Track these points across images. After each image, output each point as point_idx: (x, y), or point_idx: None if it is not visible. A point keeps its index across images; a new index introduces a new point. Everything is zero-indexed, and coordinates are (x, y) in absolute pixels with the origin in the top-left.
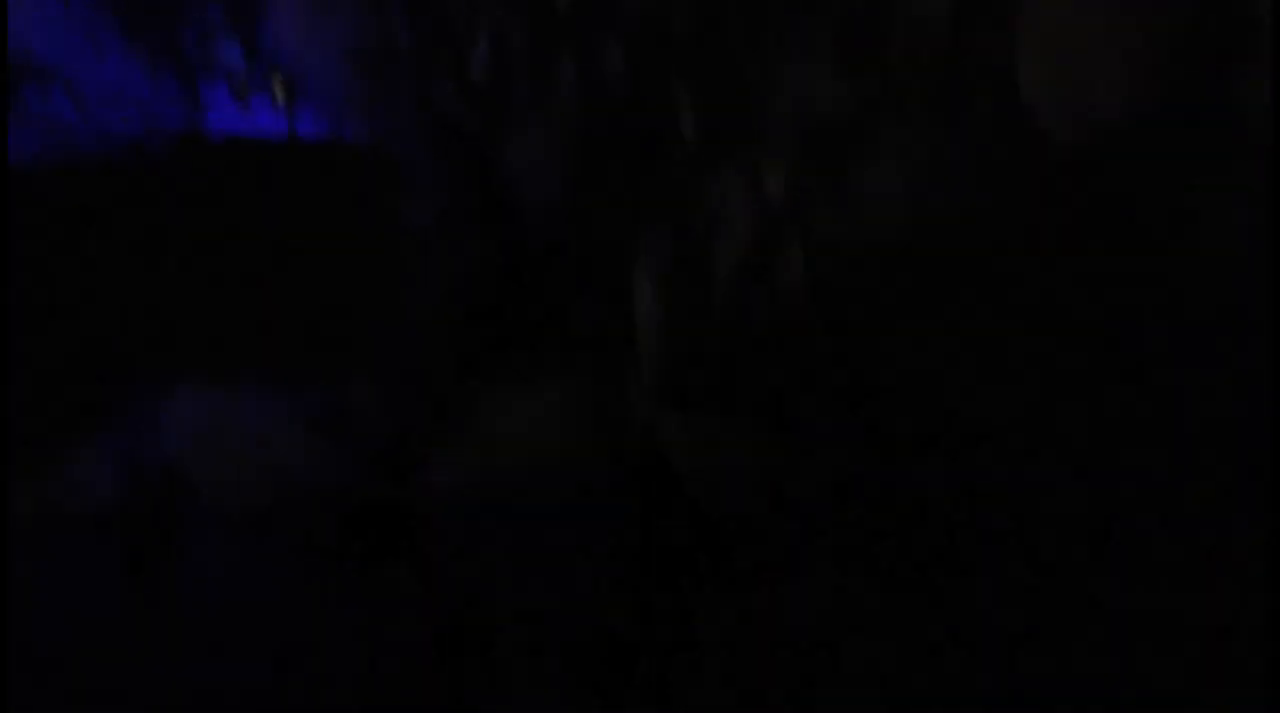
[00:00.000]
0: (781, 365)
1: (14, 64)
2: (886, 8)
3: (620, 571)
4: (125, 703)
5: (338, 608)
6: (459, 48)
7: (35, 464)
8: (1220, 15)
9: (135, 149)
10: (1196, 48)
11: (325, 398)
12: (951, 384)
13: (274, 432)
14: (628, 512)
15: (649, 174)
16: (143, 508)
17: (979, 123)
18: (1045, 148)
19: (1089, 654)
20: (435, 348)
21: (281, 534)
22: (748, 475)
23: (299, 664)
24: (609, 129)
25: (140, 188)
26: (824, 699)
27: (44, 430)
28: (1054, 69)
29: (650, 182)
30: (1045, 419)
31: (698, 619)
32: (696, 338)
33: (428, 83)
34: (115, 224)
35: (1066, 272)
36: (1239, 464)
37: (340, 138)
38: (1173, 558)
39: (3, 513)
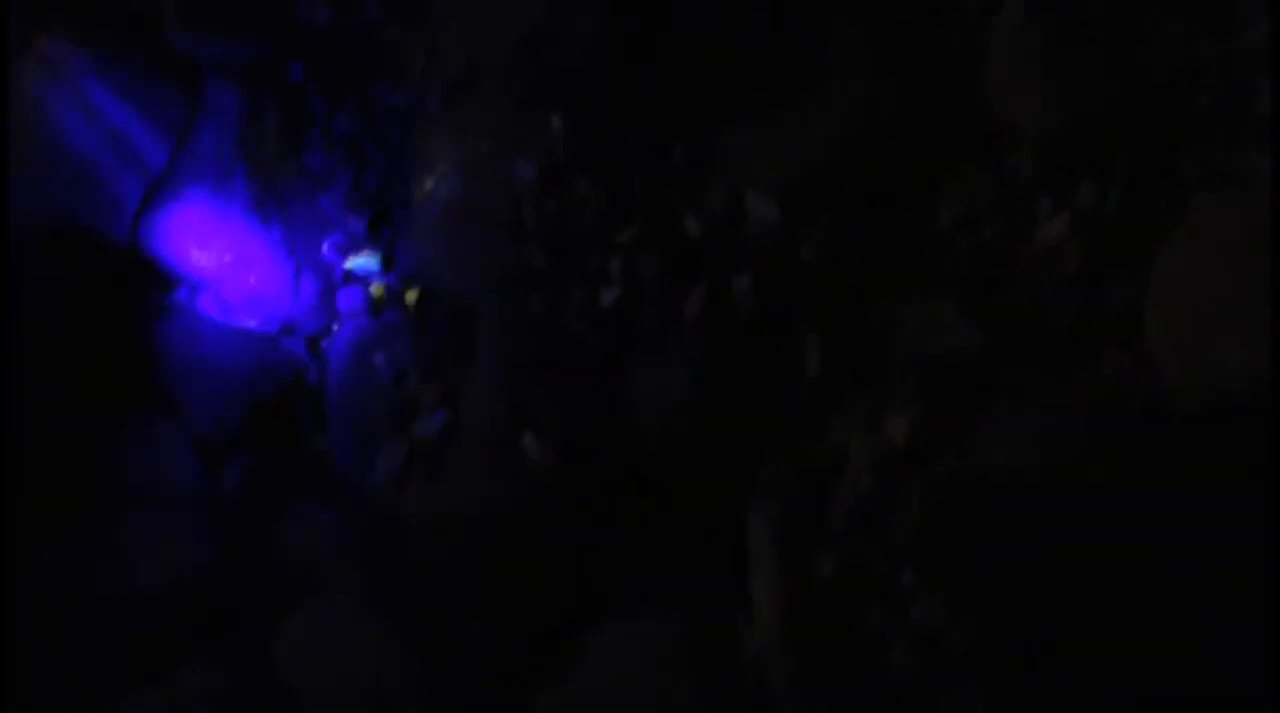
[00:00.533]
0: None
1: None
2: (1016, 251)
3: None
4: None
5: None
6: (591, 273)
7: None
8: None
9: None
10: None
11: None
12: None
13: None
14: None
15: (771, 407)
16: None
17: (1104, 374)
18: (1167, 405)
19: None
20: (546, 584)
21: None
22: None
23: None
24: (734, 360)
25: None
26: None
27: None
28: (1183, 323)
29: (772, 415)
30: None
31: None
32: (808, 581)
33: (560, 308)
34: None
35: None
36: None
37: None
38: None
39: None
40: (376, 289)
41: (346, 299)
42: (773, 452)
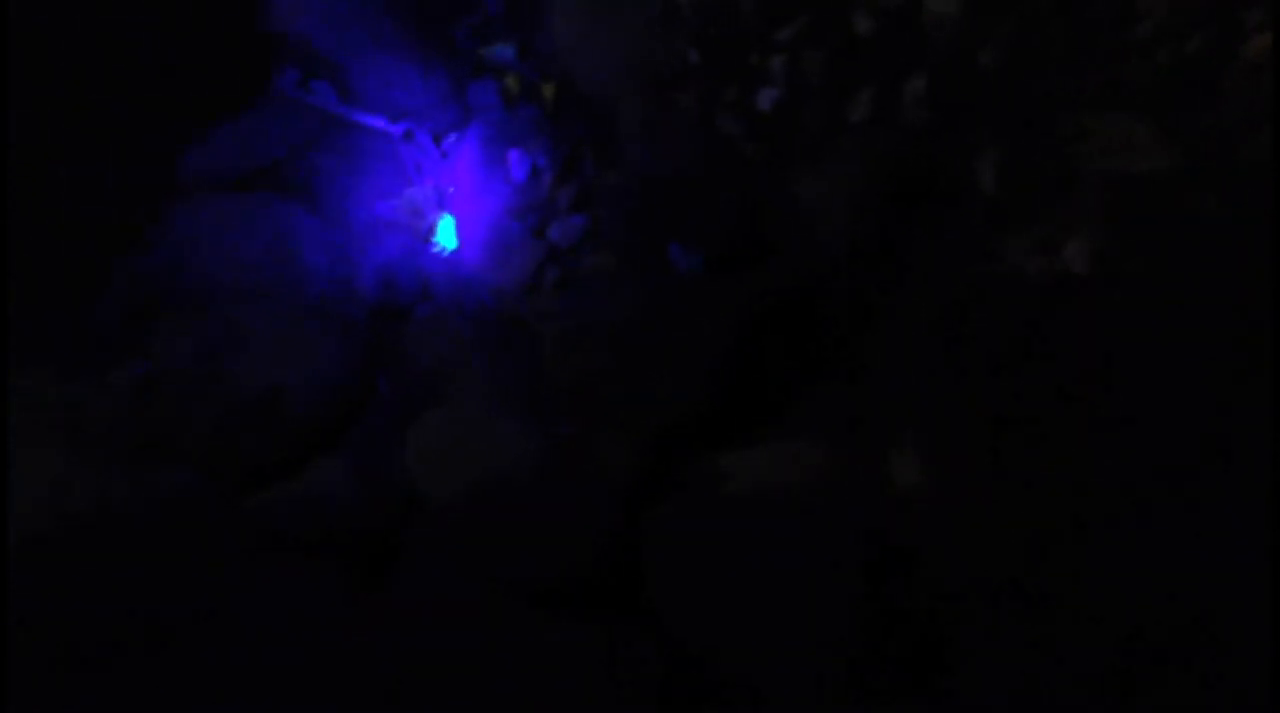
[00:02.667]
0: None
1: (281, 48)
2: (1219, 67)
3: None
4: None
5: (563, 645)
6: (750, 74)
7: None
8: None
9: None
10: None
11: (572, 434)
12: None
13: (518, 461)
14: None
15: (941, 225)
16: (378, 523)
17: None
18: None
19: None
20: (691, 398)
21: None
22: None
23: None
24: (902, 172)
25: None
26: None
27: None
28: None
29: (942, 234)
30: None
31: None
32: (963, 403)
33: (713, 108)
34: None
35: None
36: None
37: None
38: None
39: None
40: (512, 81)
41: (479, 92)
42: (939, 273)
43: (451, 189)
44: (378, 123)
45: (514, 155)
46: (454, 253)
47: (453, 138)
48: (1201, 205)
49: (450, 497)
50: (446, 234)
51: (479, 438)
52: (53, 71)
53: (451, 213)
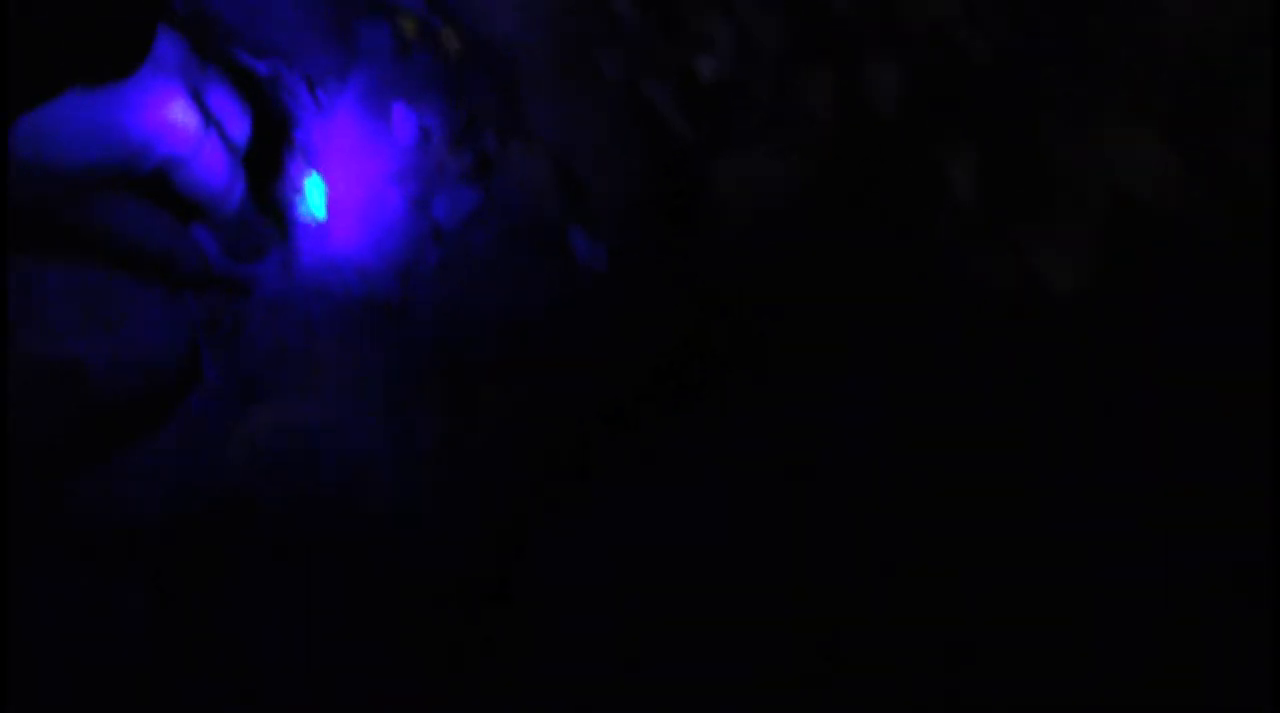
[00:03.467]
0: None
1: None
2: (1246, 69)
3: None
4: None
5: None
6: (690, 37)
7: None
8: None
9: None
10: None
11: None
12: None
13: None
14: None
15: (902, 235)
16: (192, 530)
17: None
18: None
19: None
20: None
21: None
22: None
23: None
24: (860, 167)
25: None
26: None
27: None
28: None
29: (902, 245)
30: None
31: None
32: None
33: (640, 74)
34: None
35: None
36: None
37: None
38: None
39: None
40: (408, 21)
41: (368, 33)
42: (894, 290)
43: (321, 146)
44: (243, 59)
45: (400, 112)
46: (320, 221)
47: (331, 86)
48: (1208, 230)
49: (282, 506)
50: (314, 199)
51: (321, 440)
52: None
53: (321, 174)
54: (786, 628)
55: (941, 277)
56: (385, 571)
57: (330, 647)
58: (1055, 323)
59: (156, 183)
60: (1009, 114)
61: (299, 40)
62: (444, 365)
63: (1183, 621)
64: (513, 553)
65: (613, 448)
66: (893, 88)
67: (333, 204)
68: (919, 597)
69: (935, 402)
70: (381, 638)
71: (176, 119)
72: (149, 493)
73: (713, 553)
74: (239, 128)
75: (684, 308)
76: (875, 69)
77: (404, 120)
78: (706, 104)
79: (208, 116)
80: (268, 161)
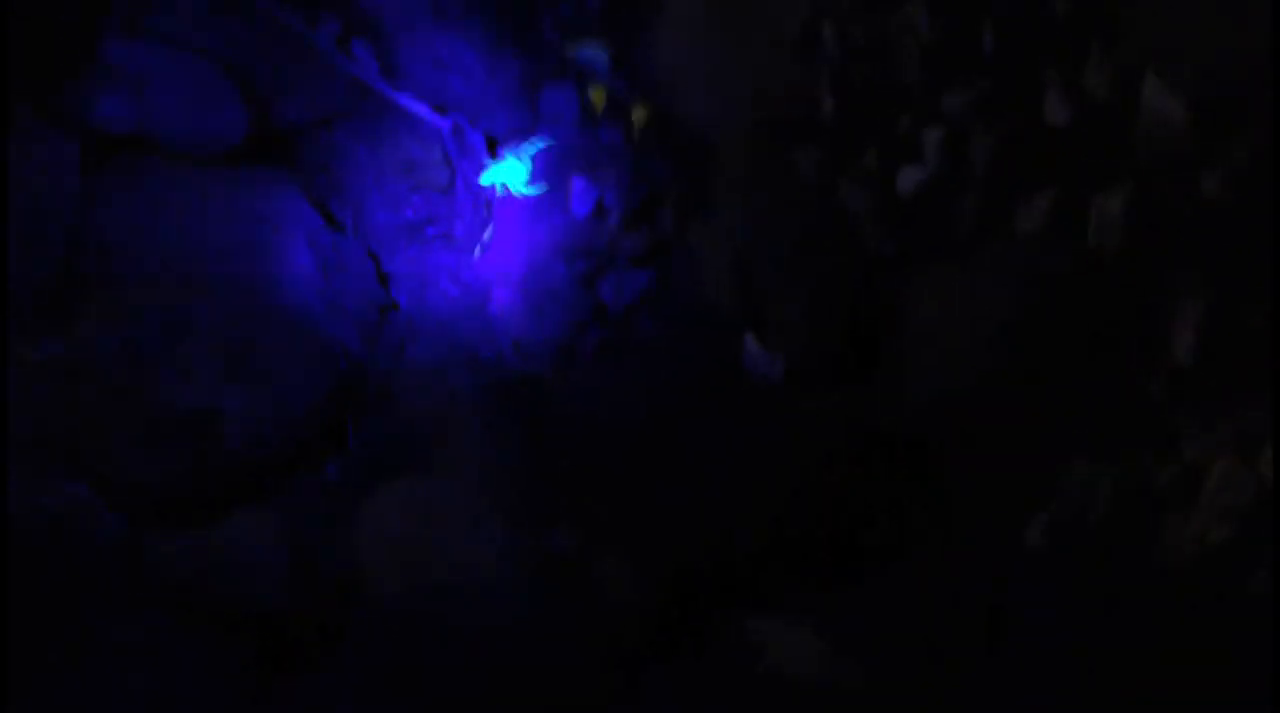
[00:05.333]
0: None
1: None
2: None
3: None
4: None
5: None
6: (896, 143)
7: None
8: None
9: None
10: None
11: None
12: None
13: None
14: None
15: (1111, 390)
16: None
17: None
18: None
19: None
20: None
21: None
22: None
23: None
24: (1074, 306)
25: None
26: None
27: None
28: None
29: (1109, 402)
30: None
31: None
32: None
33: (839, 175)
34: None
35: None
36: None
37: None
38: None
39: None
40: (596, 92)
41: (554, 98)
42: (1093, 452)
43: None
44: (421, 110)
45: (578, 184)
46: (484, 285)
47: (511, 146)
48: None
49: (402, 599)
50: (482, 261)
51: (451, 530)
52: None
53: (492, 238)
54: None
55: (1150, 445)
56: (481, 677)
57: None
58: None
59: None
60: (1242, 263)
61: (484, 98)
62: (586, 468)
63: None
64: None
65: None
66: (1118, 218)
67: (498, 267)
68: None
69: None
70: None
71: None
72: (265, 558)
73: None
74: None
75: (858, 449)
76: (1101, 197)
77: (581, 193)
78: (907, 217)
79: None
80: None
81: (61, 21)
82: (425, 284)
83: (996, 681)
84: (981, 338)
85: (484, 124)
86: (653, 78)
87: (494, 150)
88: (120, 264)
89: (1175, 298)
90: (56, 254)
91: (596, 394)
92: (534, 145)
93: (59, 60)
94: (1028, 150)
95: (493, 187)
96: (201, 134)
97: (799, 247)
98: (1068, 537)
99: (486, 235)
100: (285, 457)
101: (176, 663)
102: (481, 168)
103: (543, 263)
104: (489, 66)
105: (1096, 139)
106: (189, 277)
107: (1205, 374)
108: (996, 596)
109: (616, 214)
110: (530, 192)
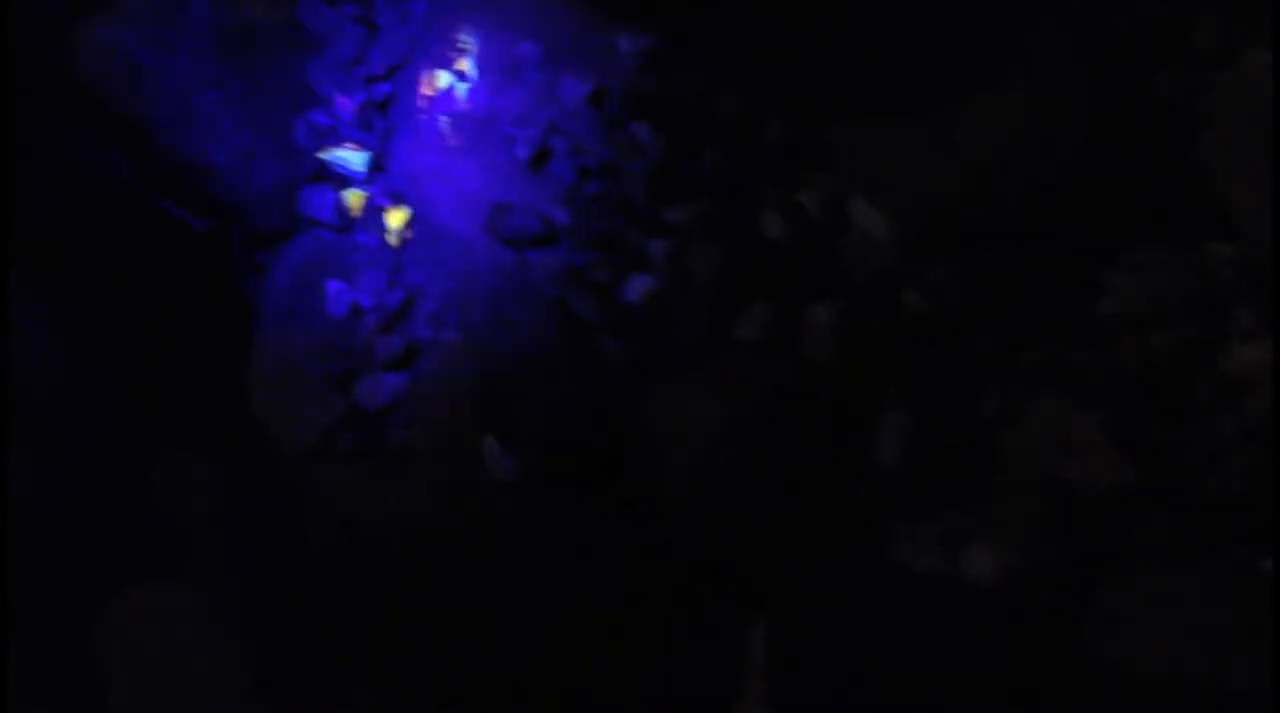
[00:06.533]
0: None
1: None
2: (1194, 374)
3: None
4: None
5: None
6: (625, 251)
7: None
8: None
9: None
10: None
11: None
12: None
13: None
14: None
15: (823, 492)
16: None
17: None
18: None
19: None
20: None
21: None
22: None
23: None
24: (794, 412)
25: None
26: None
27: None
28: None
29: (822, 503)
30: None
31: None
32: None
33: (573, 285)
34: None
35: None
36: None
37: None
38: None
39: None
40: (353, 197)
41: (312, 201)
42: (807, 551)
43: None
44: (182, 214)
45: (333, 287)
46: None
47: (271, 250)
48: (1150, 532)
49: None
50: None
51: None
52: None
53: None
54: None
55: (864, 549)
56: None
57: None
58: (976, 608)
59: None
60: (941, 376)
61: (244, 201)
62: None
63: None
64: None
65: None
66: (830, 328)
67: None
68: None
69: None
70: None
71: None
72: None
73: None
74: None
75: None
76: (813, 309)
77: (336, 296)
78: (636, 325)
79: None
80: None
81: None
82: None
83: None
84: (708, 443)
85: (240, 227)
86: (407, 185)
87: (253, 252)
88: None
89: (880, 407)
90: None
91: (351, 494)
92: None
93: None
94: (747, 262)
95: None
96: None
97: (537, 353)
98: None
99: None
100: None
101: None
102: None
103: (297, 365)
104: (245, 167)
105: (810, 254)
106: None
107: (910, 480)
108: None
109: (372, 318)
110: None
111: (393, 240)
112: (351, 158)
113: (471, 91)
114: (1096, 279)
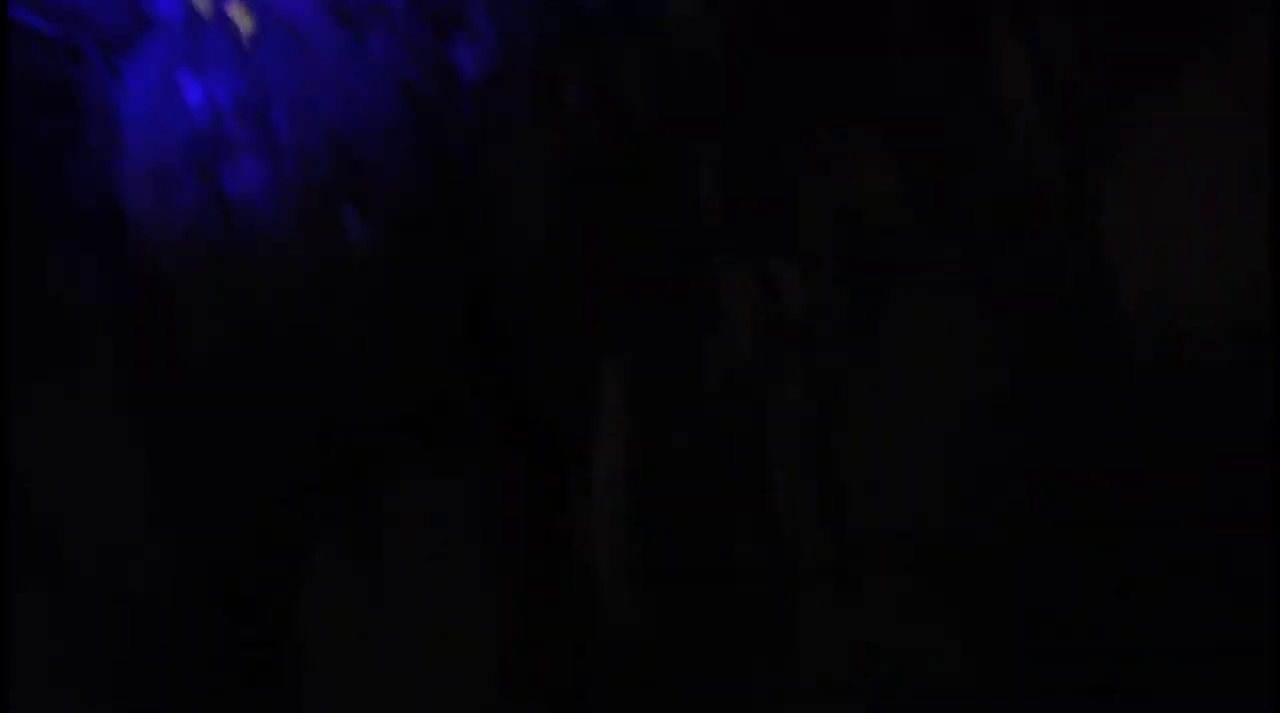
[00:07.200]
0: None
1: None
2: (961, 94)
3: None
4: None
5: None
6: (457, 32)
7: None
8: None
9: None
10: None
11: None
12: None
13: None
14: None
15: (649, 243)
16: None
17: (1044, 274)
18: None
19: None
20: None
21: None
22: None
23: None
24: (614, 164)
25: None
26: None
27: None
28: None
29: (650, 253)
30: None
31: None
32: (662, 449)
33: (408, 59)
34: None
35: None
36: None
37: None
38: None
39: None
40: None
41: (160, 3)
42: (641, 293)
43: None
44: (33, 21)
45: (191, 86)
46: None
47: (123, 53)
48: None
49: None
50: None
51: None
52: None
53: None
54: None
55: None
56: None
57: None
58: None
59: None
60: (748, 124)
61: (89, 2)
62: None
63: None
64: None
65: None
66: (642, 85)
67: (126, 171)
68: None
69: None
70: None
71: None
72: None
73: None
74: None
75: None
76: (624, 67)
77: (194, 94)
78: (474, 94)
79: None
80: None
81: None
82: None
83: None
84: (541, 198)
85: (93, 31)
86: None
87: (108, 56)
88: None
89: (696, 155)
90: None
91: (223, 278)
92: None
93: None
94: (563, 32)
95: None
96: None
97: (384, 129)
98: None
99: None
100: None
101: None
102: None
103: (165, 163)
104: None
105: (619, 20)
106: None
107: (729, 216)
108: None
109: (229, 112)
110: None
111: (245, 37)
112: None
113: None
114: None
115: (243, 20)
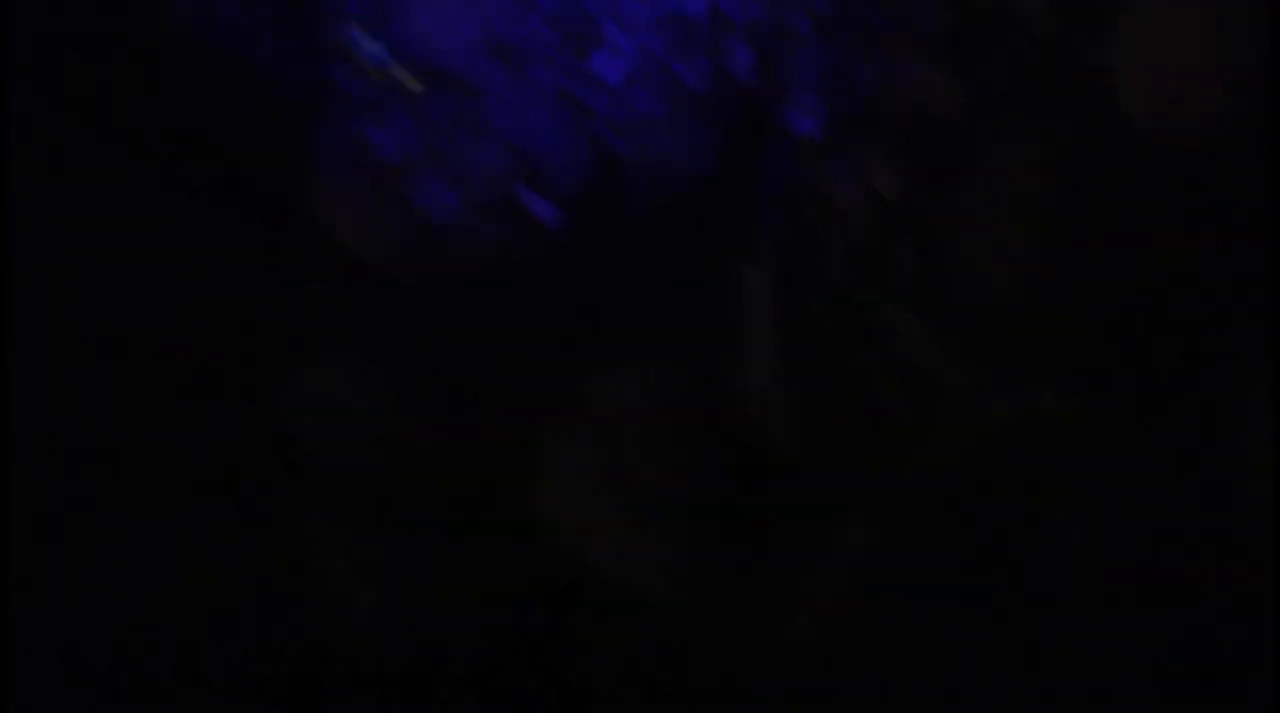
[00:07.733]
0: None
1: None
2: (993, 11)
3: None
4: None
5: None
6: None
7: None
8: None
9: None
10: None
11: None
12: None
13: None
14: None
15: (764, 161)
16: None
17: (1077, 125)
18: (1144, 151)
19: None
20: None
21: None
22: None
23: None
24: (730, 120)
25: None
26: None
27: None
28: (1154, 74)
29: (765, 168)
30: None
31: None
32: (806, 334)
33: (562, 79)
34: None
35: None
36: None
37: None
38: None
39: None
40: (373, 73)
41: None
42: (765, 203)
43: None
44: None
45: (378, 135)
46: None
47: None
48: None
49: None
50: None
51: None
52: None
53: None
54: None
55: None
56: None
57: None
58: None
59: None
60: (833, 60)
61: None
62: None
63: None
64: None
65: None
66: (747, 59)
67: None
68: None
69: None
70: None
71: None
72: None
73: None
74: None
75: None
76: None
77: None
78: (617, 98)
79: None
80: None
81: None
82: None
83: None
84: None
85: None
86: (403, 35)
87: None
88: None
89: (795, 89)
90: None
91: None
92: None
93: None
94: (676, 27)
95: None
96: None
97: (551, 124)
98: None
99: None
100: None
101: None
102: None
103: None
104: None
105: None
106: None
107: (827, 131)
108: None
109: (416, 151)
110: None
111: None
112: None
113: None
114: None
115: (412, 84)
